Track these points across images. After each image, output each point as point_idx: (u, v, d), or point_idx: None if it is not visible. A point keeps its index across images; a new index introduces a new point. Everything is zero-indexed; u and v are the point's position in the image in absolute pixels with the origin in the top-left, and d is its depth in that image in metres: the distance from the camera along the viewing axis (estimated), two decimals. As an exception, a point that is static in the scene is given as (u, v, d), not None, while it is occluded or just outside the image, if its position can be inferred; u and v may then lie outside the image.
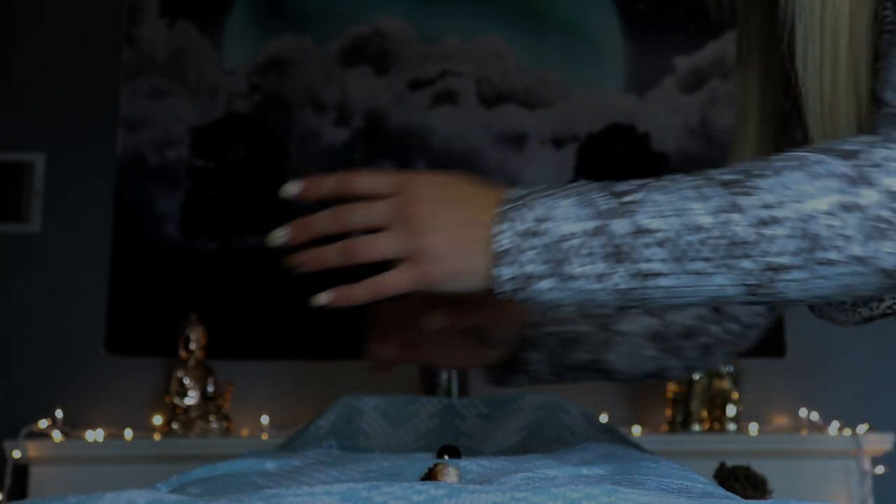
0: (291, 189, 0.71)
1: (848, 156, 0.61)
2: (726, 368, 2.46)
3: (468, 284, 0.67)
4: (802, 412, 2.58)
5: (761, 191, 0.62)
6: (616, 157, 2.73)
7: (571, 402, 1.26)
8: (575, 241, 0.64)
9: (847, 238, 0.60)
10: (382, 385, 1.60)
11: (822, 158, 0.62)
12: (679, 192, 0.64)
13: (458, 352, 0.94)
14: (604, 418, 2.49)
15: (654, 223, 0.63)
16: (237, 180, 2.69)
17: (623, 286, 0.64)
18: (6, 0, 2.72)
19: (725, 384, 2.45)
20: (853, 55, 0.72)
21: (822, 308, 0.86)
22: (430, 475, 0.67)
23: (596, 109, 2.75)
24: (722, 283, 0.63)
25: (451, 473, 0.66)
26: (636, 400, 2.63)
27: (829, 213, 0.60)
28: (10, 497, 2.31)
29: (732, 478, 1.76)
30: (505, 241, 0.65)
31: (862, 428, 2.42)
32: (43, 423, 2.39)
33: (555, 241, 0.64)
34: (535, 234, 0.65)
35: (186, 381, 2.42)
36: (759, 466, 1.98)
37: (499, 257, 0.65)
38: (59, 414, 2.43)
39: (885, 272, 0.61)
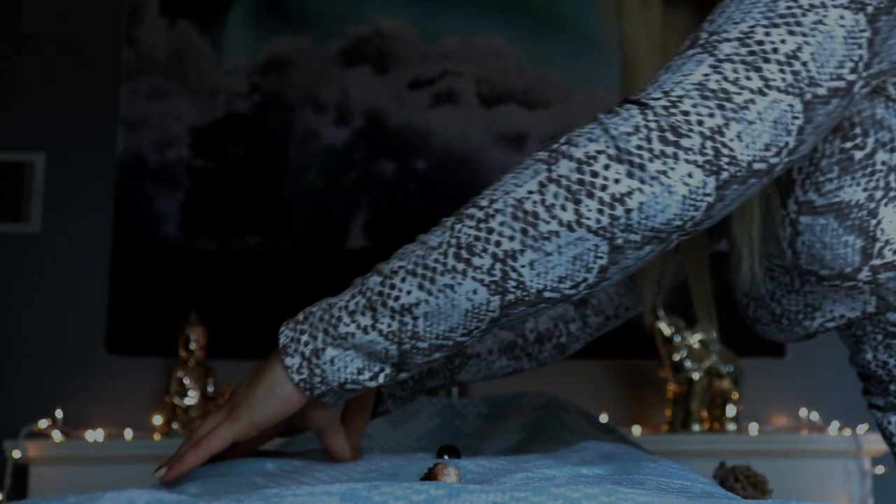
0: (159, 474, 0.75)
1: (548, 146, 0.69)
2: (726, 368, 2.46)
3: (276, 400, 0.74)
4: (802, 412, 2.58)
5: (481, 199, 0.69)
6: (616, 157, 2.73)
7: (571, 402, 1.26)
8: (341, 304, 0.72)
9: (553, 207, 0.66)
10: (382, 385, 1.59)
11: (529, 155, 0.70)
12: (418, 241, 0.71)
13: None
14: (604, 418, 2.48)
15: (397, 264, 0.71)
16: (237, 180, 2.69)
17: (394, 327, 0.70)
18: (7, 0, 2.72)
19: (725, 384, 2.45)
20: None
21: (763, 328, 0.91)
22: (430, 475, 0.67)
23: (596, 109, 2.73)
24: (470, 287, 0.68)
25: (450, 473, 0.66)
26: (636, 400, 2.63)
27: (534, 192, 0.66)
28: (10, 497, 2.31)
29: (732, 478, 1.76)
30: (283, 339, 0.73)
31: (862, 428, 2.42)
32: (43, 423, 2.38)
33: (323, 312, 0.72)
34: (306, 319, 0.73)
35: (186, 381, 2.42)
36: (759, 466, 1.98)
37: (283, 352, 0.73)
38: (59, 414, 2.43)
39: (596, 233, 0.65)
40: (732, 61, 0.66)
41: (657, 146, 0.65)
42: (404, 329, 0.70)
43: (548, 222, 0.65)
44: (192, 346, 2.44)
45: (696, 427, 2.44)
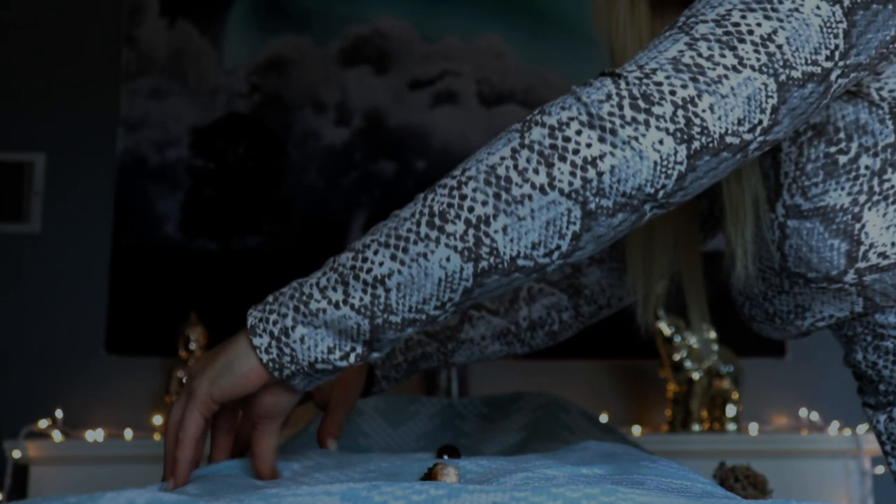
0: (168, 489, 0.74)
1: (523, 118, 0.69)
2: (726, 368, 2.46)
3: (233, 374, 0.72)
4: (802, 412, 2.58)
5: (454, 170, 0.69)
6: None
7: (571, 402, 1.26)
8: (312, 281, 0.71)
9: (525, 171, 0.66)
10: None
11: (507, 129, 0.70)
12: (391, 216, 0.71)
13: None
14: (604, 418, 2.48)
15: (369, 238, 0.70)
16: (237, 180, 2.69)
17: (366, 300, 0.69)
18: (6, 0, 2.72)
19: (725, 384, 2.45)
20: None
21: (759, 326, 0.92)
22: (430, 475, 0.67)
23: (596, 109, 2.74)
24: (443, 255, 0.67)
25: (450, 473, 0.66)
26: (636, 400, 2.63)
27: (507, 157, 0.67)
28: (10, 497, 2.31)
29: (732, 477, 1.76)
30: (251, 320, 0.72)
31: (862, 428, 2.42)
32: (43, 423, 2.39)
33: (294, 291, 0.71)
34: (276, 300, 0.72)
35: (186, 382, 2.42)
36: (759, 466, 1.98)
37: (250, 332, 0.71)
38: (59, 414, 2.43)
39: (569, 196, 0.65)
40: (708, 40, 0.67)
41: (629, 112, 0.65)
42: (377, 302, 0.69)
43: (520, 186, 0.66)
44: (193, 346, 2.44)
45: (696, 427, 2.44)
